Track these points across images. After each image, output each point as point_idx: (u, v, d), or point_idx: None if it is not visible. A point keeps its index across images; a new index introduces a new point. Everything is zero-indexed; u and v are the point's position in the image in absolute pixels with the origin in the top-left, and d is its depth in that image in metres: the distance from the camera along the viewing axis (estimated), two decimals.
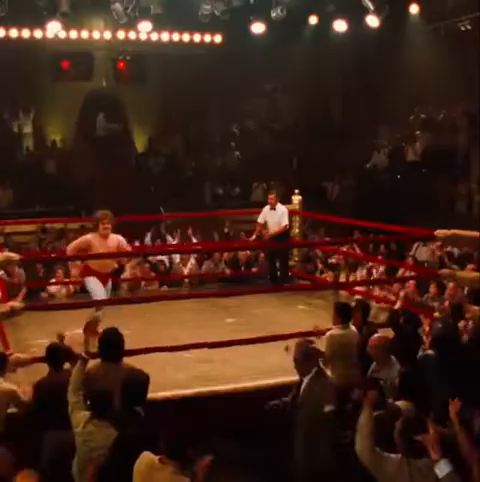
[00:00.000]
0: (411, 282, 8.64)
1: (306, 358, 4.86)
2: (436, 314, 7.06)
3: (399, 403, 4.57)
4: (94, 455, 4.36)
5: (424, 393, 4.78)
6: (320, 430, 4.69)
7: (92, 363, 5.10)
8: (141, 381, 4.59)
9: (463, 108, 15.69)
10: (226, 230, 13.16)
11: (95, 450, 4.37)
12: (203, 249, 11.86)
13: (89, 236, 7.64)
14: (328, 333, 5.87)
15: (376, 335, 5.50)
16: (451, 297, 7.47)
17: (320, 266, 10.88)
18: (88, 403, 4.62)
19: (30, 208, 14.76)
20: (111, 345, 5.10)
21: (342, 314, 5.94)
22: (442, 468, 3.65)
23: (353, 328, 5.93)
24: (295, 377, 4.97)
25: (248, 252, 11.09)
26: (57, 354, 5.24)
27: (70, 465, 4.53)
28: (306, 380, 4.84)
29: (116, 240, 7.71)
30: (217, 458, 4.23)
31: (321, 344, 5.69)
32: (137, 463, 3.94)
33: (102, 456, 4.31)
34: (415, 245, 11.61)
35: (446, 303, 6.80)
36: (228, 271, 10.83)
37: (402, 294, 7.96)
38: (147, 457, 3.94)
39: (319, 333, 6.02)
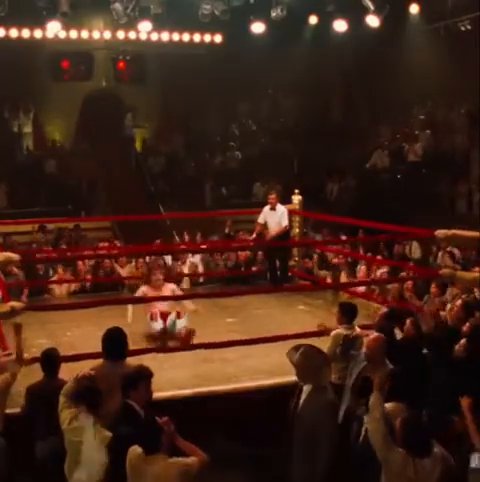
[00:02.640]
0: (409, 282, 8.63)
1: (314, 370, 4.74)
2: (445, 314, 7.05)
3: (389, 404, 4.56)
4: (80, 450, 4.39)
5: (416, 394, 4.78)
6: (319, 445, 4.60)
7: (96, 362, 5.12)
8: (141, 373, 4.63)
9: (463, 108, 15.70)
10: (227, 230, 13.15)
11: (80, 444, 4.40)
12: (203, 249, 11.86)
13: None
14: (334, 332, 5.88)
15: (373, 335, 5.49)
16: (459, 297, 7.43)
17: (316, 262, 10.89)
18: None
19: (30, 208, 14.78)
20: (114, 344, 5.11)
21: (347, 314, 5.94)
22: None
23: (358, 329, 5.93)
24: (295, 377, 4.95)
25: (248, 252, 11.08)
26: (52, 360, 5.24)
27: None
28: (306, 391, 4.74)
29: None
30: (217, 458, 4.26)
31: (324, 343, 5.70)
32: (128, 458, 4.02)
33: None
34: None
35: (458, 302, 6.78)
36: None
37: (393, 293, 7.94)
38: (135, 451, 4.04)
39: (324, 333, 6.03)
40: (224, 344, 6.55)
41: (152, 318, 7.27)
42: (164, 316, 7.28)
